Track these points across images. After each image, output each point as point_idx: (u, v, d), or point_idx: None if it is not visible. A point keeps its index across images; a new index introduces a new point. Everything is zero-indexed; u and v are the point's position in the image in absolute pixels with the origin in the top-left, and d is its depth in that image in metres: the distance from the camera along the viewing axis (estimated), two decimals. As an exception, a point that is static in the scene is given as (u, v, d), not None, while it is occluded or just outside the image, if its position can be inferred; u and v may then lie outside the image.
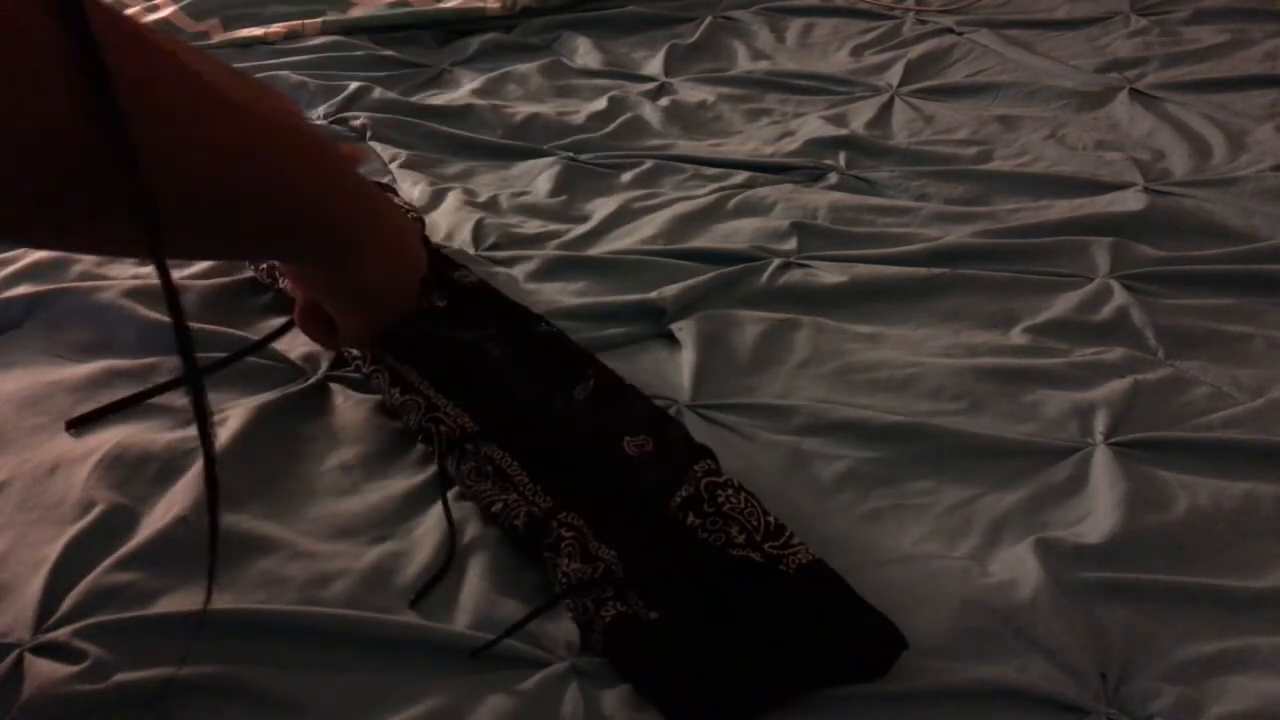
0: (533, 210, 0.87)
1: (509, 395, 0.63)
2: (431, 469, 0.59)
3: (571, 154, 0.96)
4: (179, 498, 0.55)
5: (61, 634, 0.47)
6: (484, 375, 0.65)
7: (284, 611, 0.49)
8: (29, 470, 0.58)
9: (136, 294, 0.71)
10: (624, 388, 0.63)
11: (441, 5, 1.28)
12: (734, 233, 0.83)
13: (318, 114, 1.02)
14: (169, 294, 0.37)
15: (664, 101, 1.08)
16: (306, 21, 1.22)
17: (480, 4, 1.27)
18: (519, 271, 0.77)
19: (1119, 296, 0.74)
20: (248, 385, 0.64)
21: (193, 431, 0.60)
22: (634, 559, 0.52)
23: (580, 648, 0.49)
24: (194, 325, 0.68)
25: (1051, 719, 0.46)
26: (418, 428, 0.61)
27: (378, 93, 1.05)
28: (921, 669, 0.47)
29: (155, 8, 1.26)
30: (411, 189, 0.89)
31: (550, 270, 0.77)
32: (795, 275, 0.77)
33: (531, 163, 0.96)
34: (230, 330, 0.69)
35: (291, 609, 0.50)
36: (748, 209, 0.87)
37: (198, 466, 0.57)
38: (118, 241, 0.44)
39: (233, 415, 0.61)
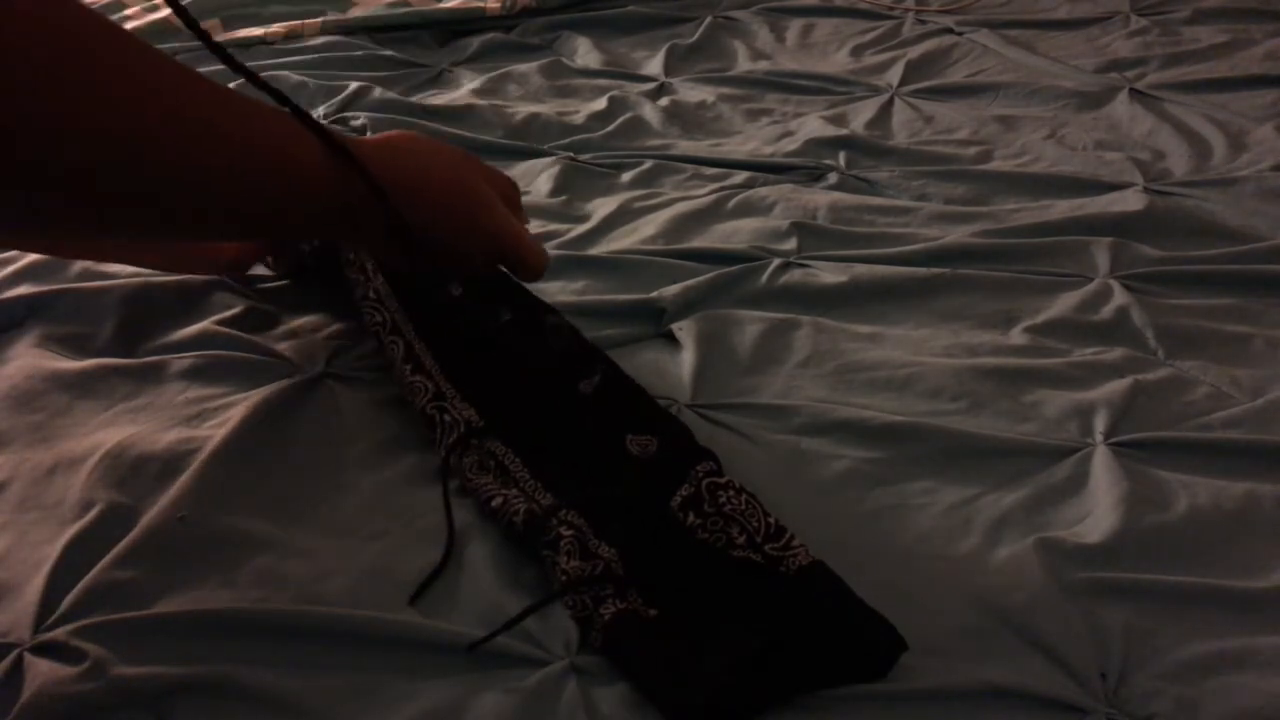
0: (533, 210, 0.87)
1: (515, 388, 0.63)
2: (431, 465, 0.59)
3: (571, 154, 0.96)
4: (179, 496, 0.55)
5: (60, 633, 0.47)
6: (492, 367, 0.65)
7: (282, 610, 0.49)
8: (29, 470, 0.58)
9: (137, 293, 0.71)
10: (631, 386, 0.63)
11: (441, 5, 1.28)
12: (734, 233, 0.83)
13: (318, 114, 1.02)
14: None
15: (664, 101, 1.08)
16: (306, 21, 1.22)
17: (480, 4, 1.27)
18: (519, 271, 0.77)
19: (1119, 296, 0.74)
20: (246, 381, 0.64)
21: (192, 431, 0.60)
22: (634, 558, 0.52)
23: (579, 646, 0.49)
24: (194, 328, 0.69)
25: (1051, 719, 0.46)
26: (421, 412, 0.61)
27: (378, 93, 1.05)
28: (921, 669, 0.47)
29: (155, 8, 1.26)
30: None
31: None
32: (795, 275, 0.77)
33: (531, 163, 0.96)
34: (230, 331, 0.69)
35: (290, 607, 0.49)
36: (748, 209, 0.87)
37: (198, 465, 0.57)
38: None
39: (231, 411, 0.61)
